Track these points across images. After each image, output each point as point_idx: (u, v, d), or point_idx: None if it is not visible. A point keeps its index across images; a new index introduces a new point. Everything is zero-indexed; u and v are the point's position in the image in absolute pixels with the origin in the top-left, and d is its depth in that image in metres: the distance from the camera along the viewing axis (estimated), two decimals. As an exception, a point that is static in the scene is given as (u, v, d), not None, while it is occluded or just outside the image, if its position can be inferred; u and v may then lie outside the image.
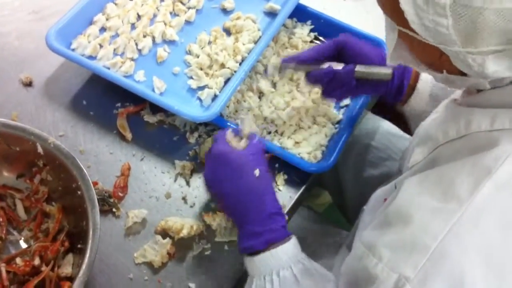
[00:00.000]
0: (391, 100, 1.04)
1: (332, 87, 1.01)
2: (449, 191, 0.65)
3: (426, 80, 1.02)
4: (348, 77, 0.99)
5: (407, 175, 0.80)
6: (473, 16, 0.59)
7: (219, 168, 0.87)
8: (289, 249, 0.81)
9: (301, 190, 1.04)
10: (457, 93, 0.83)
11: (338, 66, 1.00)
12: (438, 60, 0.69)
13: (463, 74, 0.69)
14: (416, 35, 0.66)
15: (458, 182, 0.65)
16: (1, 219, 0.96)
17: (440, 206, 0.64)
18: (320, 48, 1.03)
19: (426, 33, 0.64)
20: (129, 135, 1.08)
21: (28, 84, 1.14)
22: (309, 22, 1.24)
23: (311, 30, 1.24)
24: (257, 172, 0.85)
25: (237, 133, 0.92)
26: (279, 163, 1.05)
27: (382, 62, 1.01)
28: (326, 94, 1.04)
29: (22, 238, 0.97)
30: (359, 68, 0.98)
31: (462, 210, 0.63)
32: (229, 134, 0.91)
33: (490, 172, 0.63)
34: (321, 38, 1.24)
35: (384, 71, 0.98)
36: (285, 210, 1.02)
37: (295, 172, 1.05)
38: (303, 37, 1.22)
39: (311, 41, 1.23)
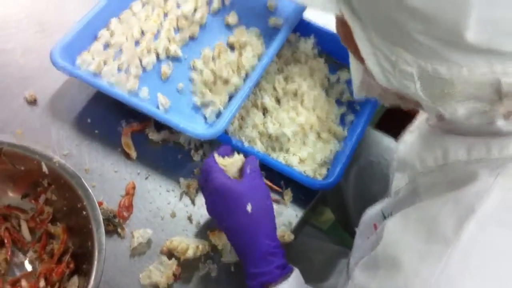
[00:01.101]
0: None
1: None
2: (434, 231, 0.63)
3: None
4: None
5: (392, 203, 0.80)
6: (441, 84, 0.58)
7: (215, 203, 0.87)
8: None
9: (307, 208, 1.04)
10: (425, 115, 0.82)
11: None
12: (407, 97, 0.68)
13: None
14: None
15: (442, 221, 0.63)
16: (6, 241, 0.96)
17: (427, 247, 0.63)
18: None
19: (394, 87, 0.63)
20: (133, 154, 1.07)
21: (33, 101, 1.13)
22: (312, 37, 1.24)
23: (315, 45, 1.23)
24: (249, 207, 0.83)
25: (224, 152, 0.92)
26: (285, 180, 1.05)
27: None
28: None
29: (27, 260, 0.96)
30: None
31: (449, 251, 0.61)
32: (217, 158, 0.91)
33: (473, 209, 0.61)
34: (324, 52, 1.23)
35: None
36: (291, 229, 1.01)
37: (301, 190, 1.04)
38: (306, 51, 1.22)
39: (315, 56, 1.22)
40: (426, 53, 0.57)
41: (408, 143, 0.82)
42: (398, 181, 0.79)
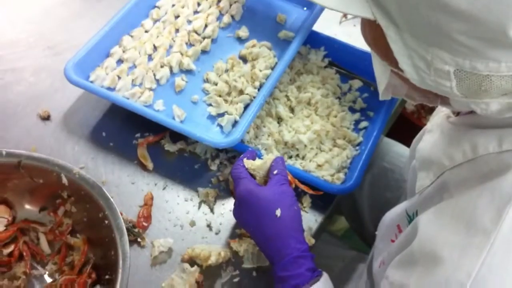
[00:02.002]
0: None
1: None
2: (473, 224, 0.63)
3: None
4: None
5: (417, 202, 0.80)
6: (478, 80, 0.59)
7: (243, 210, 0.87)
8: None
9: (327, 213, 1.04)
10: (444, 111, 0.82)
11: None
12: (433, 93, 0.68)
13: None
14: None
15: (480, 214, 0.63)
16: (24, 254, 0.95)
17: (467, 241, 0.63)
18: None
19: (426, 87, 0.63)
20: (150, 165, 1.07)
21: (46, 118, 1.14)
22: (322, 48, 1.25)
23: (325, 56, 1.25)
24: (278, 212, 0.84)
25: (251, 156, 0.93)
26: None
27: None
28: None
29: (47, 273, 0.95)
30: None
31: (490, 241, 0.61)
32: (246, 162, 0.91)
33: (511, 198, 0.62)
34: (335, 63, 1.25)
35: None
36: (312, 233, 1.01)
37: (319, 195, 1.04)
38: (317, 62, 1.23)
39: (326, 67, 1.24)
40: (466, 51, 0.57)
41: (430, 142, 0.82)
42: (423, 180, 0.79)
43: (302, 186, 0.98)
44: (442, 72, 0.60)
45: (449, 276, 0.62)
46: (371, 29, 0.65)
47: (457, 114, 0.79)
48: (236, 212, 0.91)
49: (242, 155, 0.94)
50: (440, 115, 0.84)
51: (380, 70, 0.72)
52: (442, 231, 0.66)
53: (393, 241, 0.87)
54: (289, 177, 0.93)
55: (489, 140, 0.68)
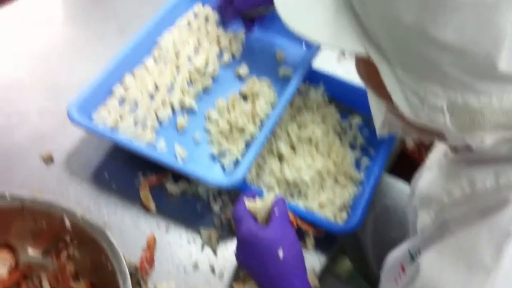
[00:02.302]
0: None
1: None
2: (473, 262, 0.63)
3: None
4: None
5: (419, 240, 0.80)
6: (471, 114, 0.59)
7: (244, 251, 0.87)
8: None
9: (330, 253, 1.04)
10: (441, 148, 0.82)
11: None
12: (431, 131, 0.68)
13: None
14: None
15: (480, 251, 0.63)
16: (27, 299, 0.95)
17: (468, 279, 0.63)
18: None
19: (421, 121, 0.63)
20: (152, 206, 1.07)
21: (49, 159, 1.14)
22: (321, 85, 1.27)
23: (324, 93, 1.26)
24: (280, 252, 0.84)
25: (252, 194, 0.93)
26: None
27: None
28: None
29: (50, 318, 0.95)
30: None
31: (491, 279, 0.61)
32: (247, 203, 0.91)
33: (509, 233, 0.62)
34: (334, 99, 1.26)
35: None
36: (315, 274, 1.01)
37: (322, 235, 1.04)
38: (317, 99, 1.24)
39: (325, 103, 1.25)
40: (456, 85, 0.58)
41: (428, 179, 0.83)
42: (423, 218, 0.79)
43: (304, 226, 0.98)
44: (435, 107, 0.60)
45: None
46: (364, 64, 0.66)
47: (455, 150, 0.79)
48: (238, 253, 0.90)
49: (242, 195, 0.94)
50: (437, 152, 0.84)
51: (376, 107, 0.72)
52: (444, 270, 0.66)
53: (397, 280, 0.86)
54: (291, 216, 0.93)
55: (486, 175, 0.68)
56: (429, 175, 0.83)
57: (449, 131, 0.63)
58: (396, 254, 0.90)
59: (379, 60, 0.62)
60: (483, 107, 0.58)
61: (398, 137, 1.21)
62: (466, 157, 0.74)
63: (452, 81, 0.57)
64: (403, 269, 0.85)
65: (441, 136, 0.69)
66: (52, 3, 1.47)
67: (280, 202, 0.91)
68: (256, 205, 0.90)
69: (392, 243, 1.12)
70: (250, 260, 0.87)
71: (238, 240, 0.89)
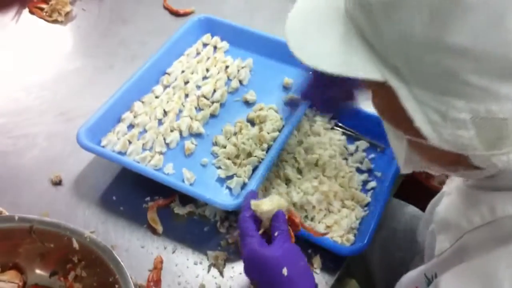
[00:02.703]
0: None
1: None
2: (491, 287, 0.63)
3: None
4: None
5: (436, 264, 0.79)
6: (496, 125, 0.58)
7: (250, 269, 0.87)
8: None
9: (337, 275, 1.03)
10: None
11: None
12: (454, 161, 0.68)
13: (479, 167, 0.68)
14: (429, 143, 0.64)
15: (498, 277, 0.63)
16: (34, 320, 0.94)
17: None
18: None
19: (444, 144, 0.62)
20: (160, 228, 1.08)
21: (58, 183, 1.15)
22: (328, 110, 1.28)
23: (331, 118, 1.27)
24: (285, 271, 0.83)
25: (254, 195, 0.93)
26: (313, 247, 1.04)
27: None
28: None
29: None
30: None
31: None
32: (253, 205, 0.91)
33: None
34: (340, 124, 1.27)
35: None
36: (323, 295, 1.00)
37: (329, 257, 1.04)
38: (323, 124, 1.26)
39: (332, 128, 1.26)
40: (478, 93, 0.57)
41: (447, 205, 0.82)
42: (442, 243, 0.78)
43: (307, 228, 0.98)
44: (458, 122, 0.59)
45: None
46: (381, 93, 0.66)
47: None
48: (245, 270, 0.90)
49: (245, 199, 0.92)
50: (457, 179, 0.84)
51: (397, 144, 0.72)
52: None
53: None
54: (296, 219, 0.93)
55: (507, 202, 0.68)
56: (449, 201, 0.83)
57: (475, 150, 0.61)
58: (410, 277, 0.89)
59: (396, 84, 0.61)
60: (507, 114, 0.57)
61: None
62: (486, 184, 0.73)
63: (473, 90, 0.57)
64: None
65: (466, 166, 0.68)
66: (63, 32, 1.50)
67: (279, 220, 0.89)
68: (263, 210, 0.90)
69: (400, 265, 1.12)
70: (257, 277, 0.86)
71: (243, 258, 0.89)
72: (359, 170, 1.19)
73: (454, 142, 0.61)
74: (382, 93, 0.64)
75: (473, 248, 0.70)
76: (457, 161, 0.68)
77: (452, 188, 0.84)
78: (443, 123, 0.59)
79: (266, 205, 0.90)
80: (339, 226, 1.07)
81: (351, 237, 1.06)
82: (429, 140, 0.62)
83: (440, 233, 0.79)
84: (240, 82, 1.31)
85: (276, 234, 0.88)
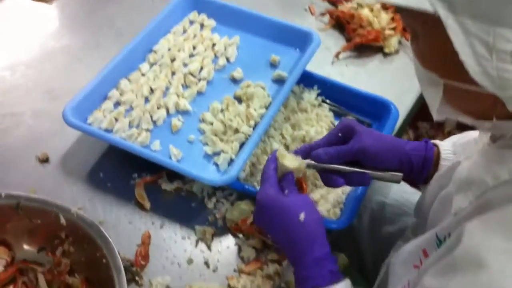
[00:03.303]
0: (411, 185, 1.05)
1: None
2: None
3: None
4: (361, 179, 0.99)
5: (451, 224, 0.79)
6: None
7: (265, 213, 0.88)
8: None
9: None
10: (485, 139, 0.82)
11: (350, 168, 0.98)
12: (489, 108, 0.69)
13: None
14: (468, 85, 0.66)
15: None
16: (23, 295, 0.95)
17: None
18: (329, 138, 1.01)
19: (486, 80, 0.63)
20: (147, 204, 1.08)
21: (45, 160, 1.15)
22: (315, 87, 1.29)
23: (318, 94, 1.28)
24: (302, 216, 0.85)
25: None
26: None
27: (396, 163, 0.99)
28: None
29: (45, 313, 0.95)
30: (371, 175, 0.98)
31: None
32: (280, 150, 0.94)
33: None
34: (328, 101, 1.27)
35: (395, 177, 0.99)
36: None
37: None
38: (311, 101, 1.26)
39: (319, 105, 1.26)
40: None
41: (468, 166, 0.82)
42: (460, 202, 0.78)
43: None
44: (504, 54, 0.60)
45: (492, 281, 0.63)
46: (426, 34, 0.67)
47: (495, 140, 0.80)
48: (256, 214, 0.92)
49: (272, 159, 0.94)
50: (479, 144, 0.85)
51: (432, 91, 0.73)
52: (489, 238, 0.67)
53: (416, 266, 0.87)
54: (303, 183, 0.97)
55: None
56: (470, 162, 0.82)
57: None
58: (417, 242, 0.90)
59: (445, 14, 0.61)
60: None
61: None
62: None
63: None
64: (425, 254, 0.85)
65: (499, 115, 0.69)
66: (49, 11, 1.49)
67: (289, 180, 0.93)
68: (285, 160, 0.92)
69: (389, 238, 1.14)
70: (270, 223, 0.88)
71: (258, 201, 0.90)
72: (345, 146, 1.20)
73: (497, 78, 0.62)
74: (427, 31, 0.65)
75: (498, 203, 0.70)
76: (492, 108, 0.69)
77: (472, 153, 0.84)
78: (489, 56, 0.61)
79: (289, 160, 0.93)
80: (325, 201, 1.07)
81: (337, 211, 1.07)
82: (472, 74, 0.63)
83: (458, 193, 0.79)
84: (227, 59, 1.30)
85: (286, 192, 0.91)
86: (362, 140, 0.96)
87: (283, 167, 0.93)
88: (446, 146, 1.03)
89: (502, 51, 0.60)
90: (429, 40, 0.68)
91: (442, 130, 2.19)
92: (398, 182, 1.00)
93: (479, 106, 0.71)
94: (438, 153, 1.02)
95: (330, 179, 0.98)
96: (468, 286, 0.65)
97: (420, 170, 1.01)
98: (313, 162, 0.96)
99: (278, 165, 0.93)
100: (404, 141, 1.01)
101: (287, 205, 0.87)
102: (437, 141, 1.05)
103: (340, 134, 0.99)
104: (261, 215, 0.90)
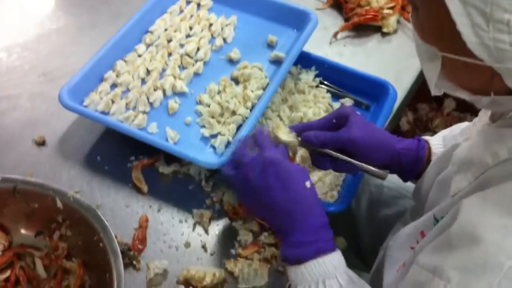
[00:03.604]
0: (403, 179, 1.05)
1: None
2: None
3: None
4: (349, 168, 0.99)
5: (450, 204, 0.79)
6: None
7: (269, 177, 0.85)
8: (335, 259, 0.81)
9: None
10: (484, 120, 0.82)
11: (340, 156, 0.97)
12: (487, 82, 0.69)
13: (510, 93, 0.69)
14: (466, 58, 0.66)
15: None
16: (21, 279, 0.95)
17: (510, 223, 0.64)
18: (325, 121, 1.01)
19: (483, 52, 0.63)
20: (144, 188, 1.08)
21: (42, 143, 1.15)
22: (313, 68, 1.28)
23: (316, 75, 1.27)
24: (308, 184, 0.85)
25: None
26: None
27: (384, 160, 0.99)
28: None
29: (43, 297, 0.95)
30: (358, 166, 0.97)
31: None
32: (276, 123, 0.94)
33: None
34: (326, 82, 1.26)
35: (381, 174, 0.98)
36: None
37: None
38: (308, 82, 1.25)
39: (317, 86, 1.25)
40: None
41: (469, 146, 0.81)
42: (459, 182, 0.78)
43: None
44: (501, 24, 0.60)
45: (488, 256, 0.63)
46: (424, 4, 0.67)
47: (495, 119, 0.80)
48: (258, 179, 0.86)
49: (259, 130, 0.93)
50: (478, 125, 0.85)
51: (430, 65, 0.72)
52: (485, 214, 0.67)
53: (412, 247, 0.87)
54: None
55: None
56: (469, 142, 0.82)
57: (511, 59, 0.62)
58: (415, 224, 0.90)
59: None
60: None
61: (390, 118, 1.21)
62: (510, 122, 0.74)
63: None
64: (423, 235, 0.85)
65: (497, 90, 0.69)
66: (45, -8, 1.48)
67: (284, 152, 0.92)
68: (280, 132, 0.91)
69: (387, 221, 1.14)
70: (271, 185, 0.85)
71: (262, 165, 0.86)
72: (343, 128, 1.19)
73: (494, 49, 0.62)
74: (426, 1, 0.65)
75: (497, 180, 0.70)
76: (489, 82, 0.68)
77: (472, 133, 0.84)
78: (486, 26, 0.61)
79: (284, 134, 0.92)
80: (323, 183, 1.07)
81: (335, 194, 1.07)
82: (469, 45, 0.63)
83: (458, 173, 0.79)
84: (224, 40, 1.29)
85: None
86: (352, 132, 0.95)
87: (276, 139, 0.91)
88: (436, 141, 1.03)
89: (499, 20, 0.60)
90: (427, 11, 0.68)
91: (442, 112, 2.18)
92: (383, 179, 0.99)
93: (476, 80, 0.70)
94: (430, 149, 1.02)
95: (319, 161, 0.98)
96: (464, 262, 0.65)
97: (410, 169, 1.01)
98: None
99: (272, 137, 0.91)
100: (397, 139, 1.01)
101: (295, 170, 0.86)
102: (427, 137, 1.05)
103: (334, 121, 0.98)
104: (264, 179, 0.85)
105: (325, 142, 0.95)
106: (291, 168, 0.86)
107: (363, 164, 0.96)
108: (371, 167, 0.97)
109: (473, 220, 0.68)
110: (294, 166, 0.87)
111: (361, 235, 1.24)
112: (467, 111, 2.14)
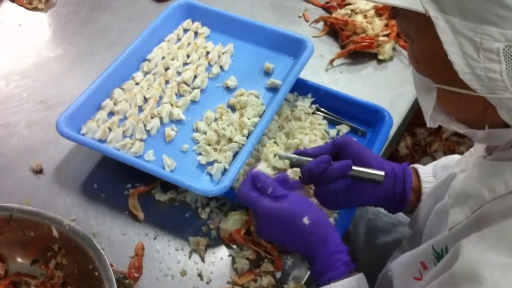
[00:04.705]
0: (392, 211, 1.06)
1: (326, 180, 0.99)
2: None
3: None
4: (342, 172, 0.98)
5: (447, 237, 0.80)
6: None
7: (270, 225, 0.90)
8: (350, 282, 0.85)
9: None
10: (480, 151, 0.83)
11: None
12: (481, 114, 0.70)
13: (505, 126, 0.70)
14: (459, 89, 0.67)
15: None
16: (16, 308, 0.95)
17: (509, 261, 0.65)
18: (321, 148, 1.03)
19: (475, 82, 0.64)
20: (141, 215, 1.08)
21: (39, 171, 1.15)
22: (309, 95, 1.29)
23: (312, 102, 1.28)
24: (305, 220, 0.87)
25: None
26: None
27: (379, 166, 1.00)
28: (319, 191, 1.02)
29: (39, 326, 0.95)
30: (354, 167, 0.98)
31: None
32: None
33: None
34: (322, 109, 1.27)
35: (378, 173, 0.99)
36: (303, 281, 1.01)
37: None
38: (305, 109, 1.26)
39: (313, 113, 1.26)
40: None
41: (465, 178, 0.82)
42: (456, 215, 0.78)
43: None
44: (491, 53, 0.61)
45: None
46: (417, 35, 0.69)
47: (490, 152, 0.80)
48: (261, 228, 0.93)
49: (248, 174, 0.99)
50: (473, 155, 0.85)
51: (426, 96, 0.74)
52: (485, 253, 0.68)
53: (416, 278, 0.87)
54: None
55: None
56: (465, 174, 0.83)
57: (504, 90, 0.63)
58: (414, 253, 0.90)
59: (436, 16, 0.63)
60: None
61: (387, 142, 1.22)
62: (507, 155, 0.75)
63: (509, 15, 0.59)
64: (424, 266, 0.86)
65: (492, 123, 0.70)
66: (43, 20, 1.49)
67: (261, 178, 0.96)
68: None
69: (383, 247, 1.14)
70: (274, 232, 0.91)
71: (258, 215, 0.92)
72: (340, 154, 1.20)
73: (485, 79, 0.63)
74: (420, 33, 0.67)
75: (494, 215, 0.71)
76: (484, 115, 0.69)
77: (468, 165, 0.84)
78: (476, 56, 0.62)
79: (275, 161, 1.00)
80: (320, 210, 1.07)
81: (332, 221, 1.06)
82: (461, 75, 0.64)
83: (454, 206, 0.79)
84: (221, 67, 1.30)
85: (269, 191, 0.92)
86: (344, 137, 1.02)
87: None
88: (425, 170, 1.04)
89: (489, 50, 0.61)
90: (421, 42, 0.69)
91: (440, 136, 2.19)
92: (380, 182, 0.99)
93: (471, 112, 0.71)
94: (418, 176, 1.03)
95: (308, 170, 1.00)
96: None
97: (401, 192, 1.02)
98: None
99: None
100: (386, 161, 1.04)
101: (286, 212, 0.88)
102: (416, 165, 1.06)
103: (332, 148, 1.01)
104: (266, 227, 0.92)
105: (320, 150, 1.02)
106: (281, 212, 0.89)
107: (359, 169, 0.98)
108: (367, 170, 0.98)
109: (473, 259, 0.68)
110: (286, 208, 0.89)
111: (359, 263, 1.23)
112: (465, 136, 2.14)
